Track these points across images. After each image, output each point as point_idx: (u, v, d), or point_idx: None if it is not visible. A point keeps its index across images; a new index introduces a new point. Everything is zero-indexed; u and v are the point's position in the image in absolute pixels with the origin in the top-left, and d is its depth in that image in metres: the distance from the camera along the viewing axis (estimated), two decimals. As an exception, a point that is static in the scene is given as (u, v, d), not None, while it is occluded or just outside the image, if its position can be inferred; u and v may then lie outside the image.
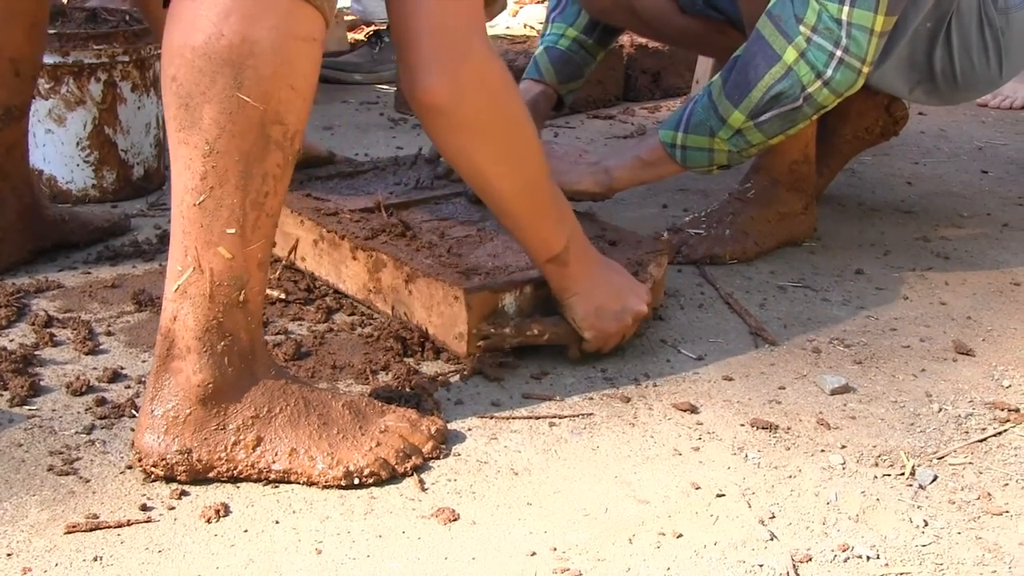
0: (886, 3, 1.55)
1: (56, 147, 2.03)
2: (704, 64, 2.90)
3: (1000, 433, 1.33)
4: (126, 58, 2.03)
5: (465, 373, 1.42)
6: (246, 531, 1.09)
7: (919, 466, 1.24)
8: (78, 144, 2.04)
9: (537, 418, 1.33)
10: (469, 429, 1.30)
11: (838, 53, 1.55)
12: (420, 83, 1.19)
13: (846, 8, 1.54)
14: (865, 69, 1.58)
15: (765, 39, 1.59)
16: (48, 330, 1.49)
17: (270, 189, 1.10)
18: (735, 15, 1.88)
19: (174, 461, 1.13)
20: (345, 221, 1.62)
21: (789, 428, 1.32)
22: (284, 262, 1.69)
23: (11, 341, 1.47)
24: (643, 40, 3.03)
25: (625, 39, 3.17)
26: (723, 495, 1.18)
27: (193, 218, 1.08)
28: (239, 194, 1.08)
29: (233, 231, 1.09)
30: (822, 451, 1.27)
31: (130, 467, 1.18)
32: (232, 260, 1.10)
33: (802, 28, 1.56)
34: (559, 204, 1.35)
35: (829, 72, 1.56)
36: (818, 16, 1.55)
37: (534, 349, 1.48)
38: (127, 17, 2.14)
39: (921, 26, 1.77)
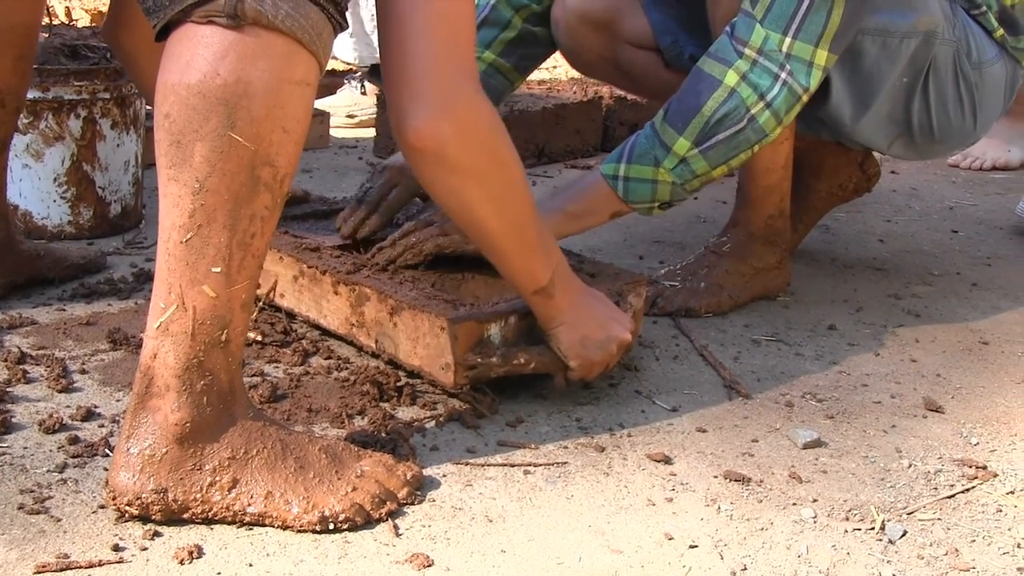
0: (829, 40, 1.60)
1: (33, 182, 2.03)
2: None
3: (968, 490, 1.34)
4: (107, 95, 2.04)
5: (441, 419, 1.42)
6: (219, 573, 1.08)
7: (889, 521, 1.25)
8: (55, 180, 2.04)
9: (512, 466, 1.33)
10: (444, 475, 1.30)
11: (783, 75, 1.59)
12: (410, 126, 1.20)
13: (787, 39, 1.59)
14: (805, 98, 1.62)
15: (704, 70, 1.63)
16: (21, 366, 1.48)
17: (257, 230, 1.10)
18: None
19: (149, 500, 1.12)
20: (326, 256, 1.62)
21: (762, 481, 1.33)
22: (262, 301, 1.69)
23: (-16, 376, 1.46)
24: (622, 91, 3.06)
25: (604, 90, 3.21)
26: (696, 546, 1.18)
27: (179, 255, 1.09)
28: (226, 233, 1.08)
29: (219, 270, 1.09)
30: (794, 504, 1.28)
31: (103, 507, 1.17)
32: (216, 299, 1.10)
33: (747, 50, 1.59)
34: (545, 238, 1.37)
35: (772, 93, 1.59)
36: (764, 40, 1.59)
37: (511, 395, 1.48)
38: (108, 54, 2.14)
39: (898, 81, 1.80)
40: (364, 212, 1.71)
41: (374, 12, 2.77)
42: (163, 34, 1.09)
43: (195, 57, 1.05)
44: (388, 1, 1.21)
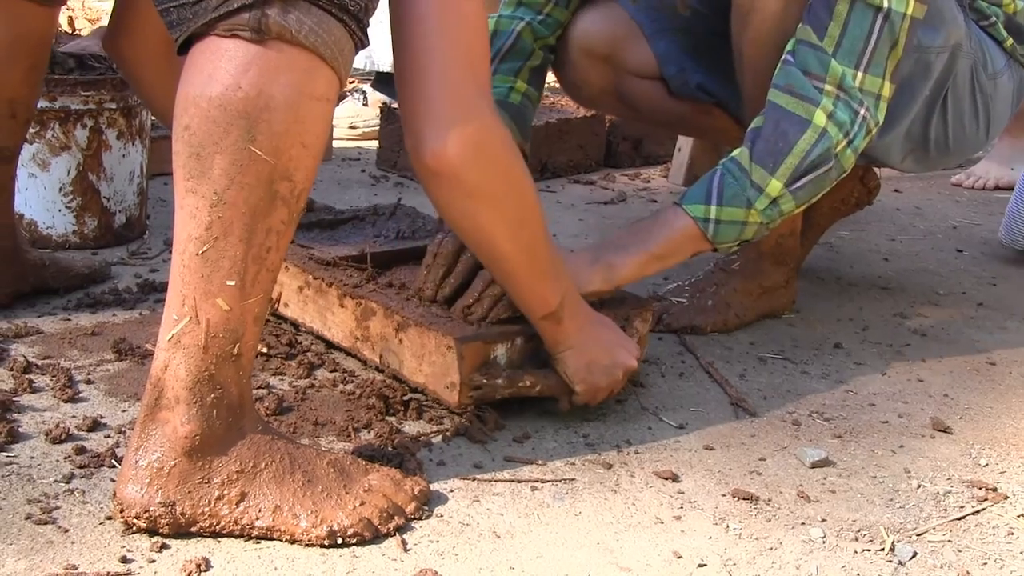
0: (892, 70, 1.59)
1: (38, 192, 2.02)
2: (687, 133, 2.92)
3: (978, 512, 1.34)
4: (113, 105, 2.03)
5: (448, 434, 1.42)
6: (227, 587, 1.08)
7: (899, 542, 1.25)
8: (61, 190, 2.03)
9: (519, 481, 1.33)
10: (451, 490, 1.29)
11: (861, 112, 1.57)
12: (427, 147, 1.20)
13: (860, 74, 1.57)
14: (876, 132, 1.61)
15: (783, 108, 1.57)
16: (27, 376, 1.48)
17: (272, 244, 1.10)
18: (725, 97, 1.90)
19: (157, 514, 1.11)
20: (332, 268, 1.62)
21: (770, 500, 1.32)
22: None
23: (-11, 386, 1.45)
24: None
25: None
26: (704, 565, 1.18)
27: (194, 267, 1.08)
28: (242, 247, 1.08)
29: (233, 283, 1.09)
30: (803, 524, 1.28)
31: (110, 518, 1.16)
32: (229, 312, 1.09)
33: (827, 87, 1.56)
34: (555, 262, 1.37)
35: (854, 130, 1.57)
36: (842, 76, 1.56)
37: (517, 411, 1.48)
38: (114, 64, 2.14)
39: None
40: (442, 271, 1.53)
41: (381, 19, 2.73)
42: (184, 47, 1.09)
43: (217, 70, 1.05)
44: (403, 23, 1.21)
